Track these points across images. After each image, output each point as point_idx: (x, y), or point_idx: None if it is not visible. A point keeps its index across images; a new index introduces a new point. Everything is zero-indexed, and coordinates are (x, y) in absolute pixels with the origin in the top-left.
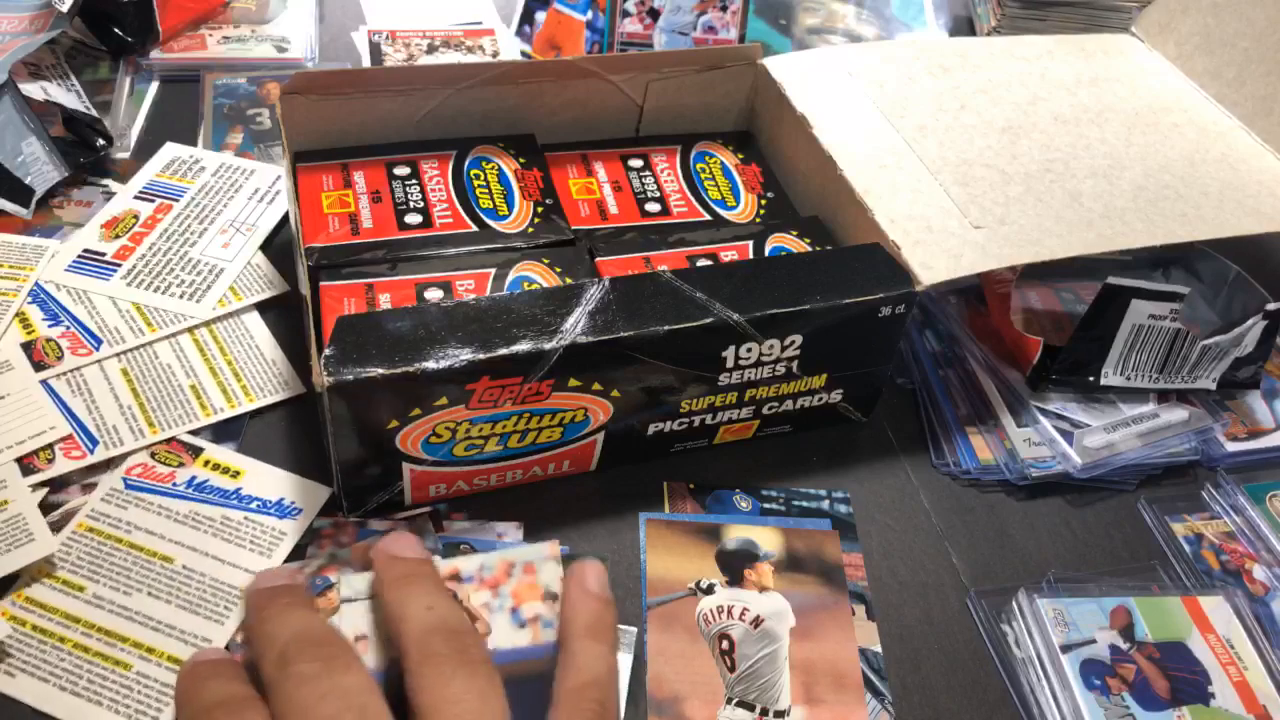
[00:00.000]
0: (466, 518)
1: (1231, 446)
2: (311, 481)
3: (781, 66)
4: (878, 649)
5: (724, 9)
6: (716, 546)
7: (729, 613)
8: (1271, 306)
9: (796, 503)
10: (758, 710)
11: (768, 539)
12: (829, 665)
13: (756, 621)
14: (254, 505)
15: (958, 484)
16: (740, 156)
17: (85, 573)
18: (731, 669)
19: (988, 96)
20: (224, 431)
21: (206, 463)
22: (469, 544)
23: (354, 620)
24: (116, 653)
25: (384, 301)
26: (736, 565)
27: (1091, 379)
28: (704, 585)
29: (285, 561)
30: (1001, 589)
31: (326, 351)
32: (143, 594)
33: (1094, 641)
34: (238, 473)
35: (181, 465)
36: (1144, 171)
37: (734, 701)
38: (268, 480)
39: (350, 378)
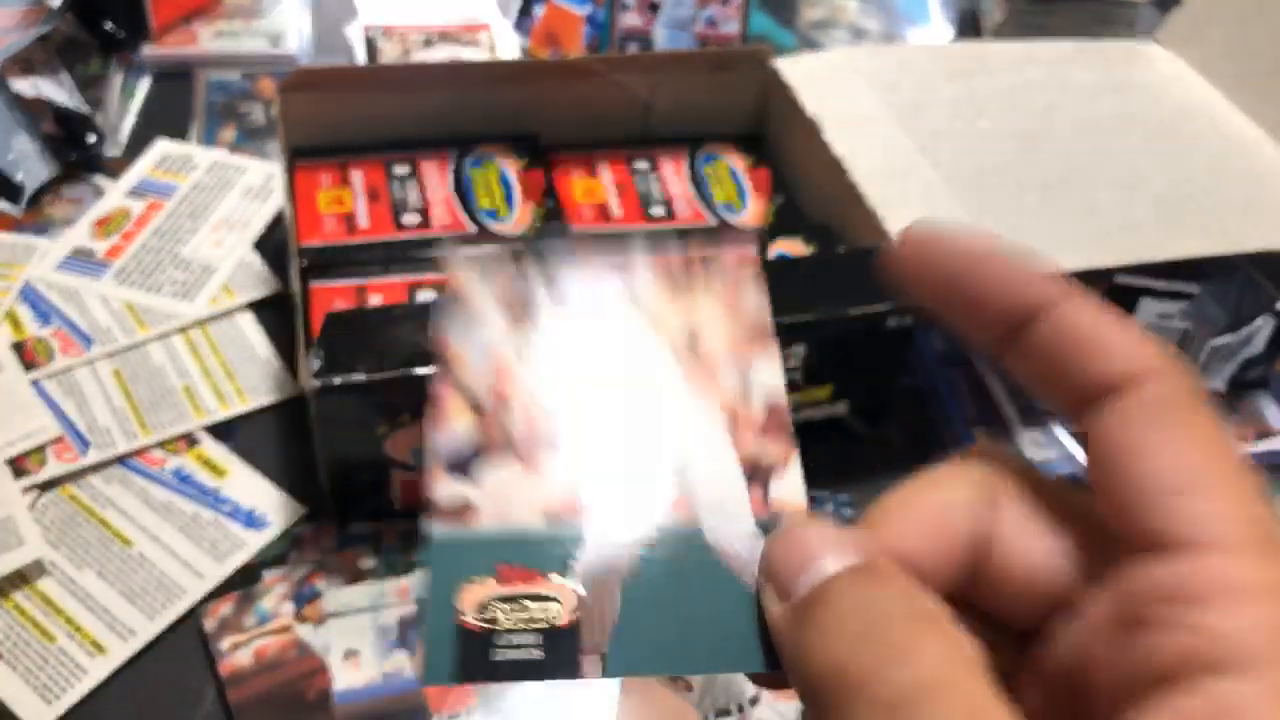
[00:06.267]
0: None
1: (1240, 448)
2: (288, 497)
3: (793, 68)
4: None
5: (725, 2)
6: None
7: None
8: None
9: None
10: (734, 710)
11: None
12: None
13: None
14: (227, 509)
15: None
16: (750, 160)
17: (50, 538)
18: (689, 688)
19: (1005, 103)
20: (216, 432)
21: (198, 456)
22: None
23: (342, 635)
24: (48, 623)
25: (375, 303)
26: None
27: None
28: None
29: (236, 573)
30: None
31: (314, 354)
32: (93, 572)
33: None
34: (223, 472)
35: (175, 453)
36: (1165, 183)
37: (711, 716)
38: (248, 486)
39: (337, 381)
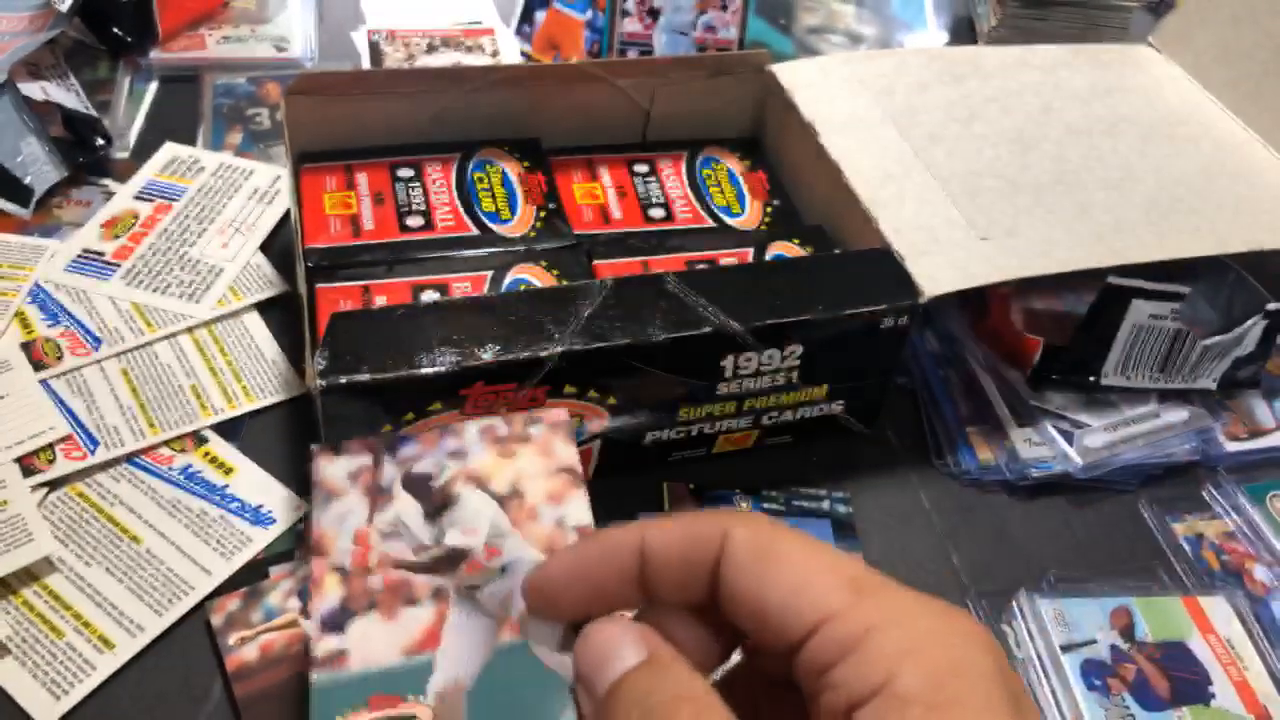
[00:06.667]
0: None
1: (1232, 446)
2: (294, 494)
3: (790, 73)
4: None
5: (724, 8)
6: None
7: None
8: (1272, 306)
9: (796, 503)
10: None
11: None
12: None
13: None
14: (234, 506)
15: (958, 484)
16: (747, 163)
17: (59, 535)
18: None
19: (999, 106)
20: (224, 431)
21: (206, 454)
22: None
23: None
24: (56, 619)
25: (380, 304)
26: None
27: (1092, 379)
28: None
29: (243, 569)
30: (1002, 589)
31: (319, 354)
32: (101, 568)
33: (1094, 642)
34: (230, 470)
35: (183, 451)
36: (1157, 184)
37: None
38: (255, 484)
39: (343, 381)
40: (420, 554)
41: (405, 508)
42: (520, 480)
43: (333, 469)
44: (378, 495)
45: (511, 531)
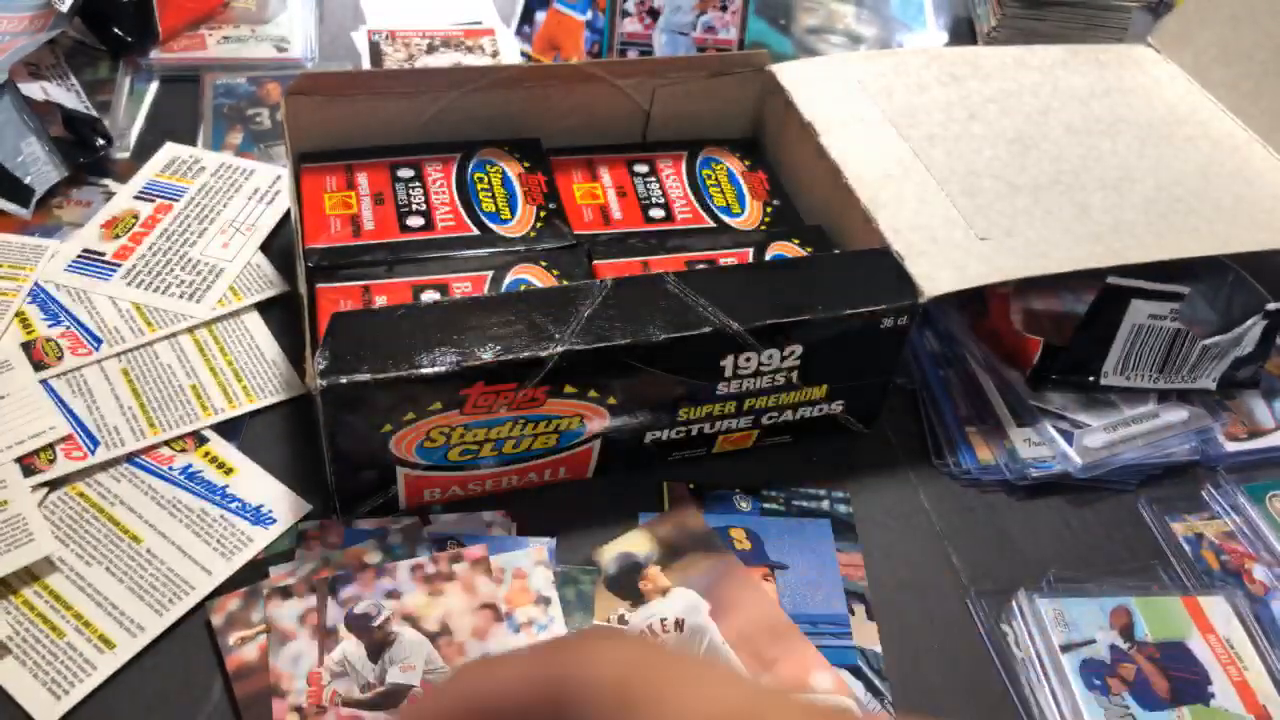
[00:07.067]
0: (454, 510)
1: (1231, 446)
2: (294, 494)
3: (789, 73)
4: (878, 649)
5: (724, 9)
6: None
7: (651, 631)
8: (1271, 306)
9: (796, 503)
10: None
11: (638, 542)
12: (759, 623)
13: (679, 625)
14: (234, 506)
15: (958, 484)
16: (747, 163)
17: (60, 535)
18: None
19: (998, 106)
20: (224, 431)
21: (206, 454)
22: (457, 539)
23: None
24: (56, 618)
25: (380, 304)
26: (629, 584)
27: (1092, 379)
28: (614, 620)
29: (244, 569)
30: (1001, 589)
31: (319, 354)
32: (101, 568)
33: (1094, 641)
34: (231, 470)
35: (183, 450)
36: (1156, 184)
37: None
38: (255, 484)
39: (343, 381)
40: (366, 692)
41: (350, 648)
42: (449, 618)
43: (282, 611)
44: (325, 636)
45: (444, 668)
